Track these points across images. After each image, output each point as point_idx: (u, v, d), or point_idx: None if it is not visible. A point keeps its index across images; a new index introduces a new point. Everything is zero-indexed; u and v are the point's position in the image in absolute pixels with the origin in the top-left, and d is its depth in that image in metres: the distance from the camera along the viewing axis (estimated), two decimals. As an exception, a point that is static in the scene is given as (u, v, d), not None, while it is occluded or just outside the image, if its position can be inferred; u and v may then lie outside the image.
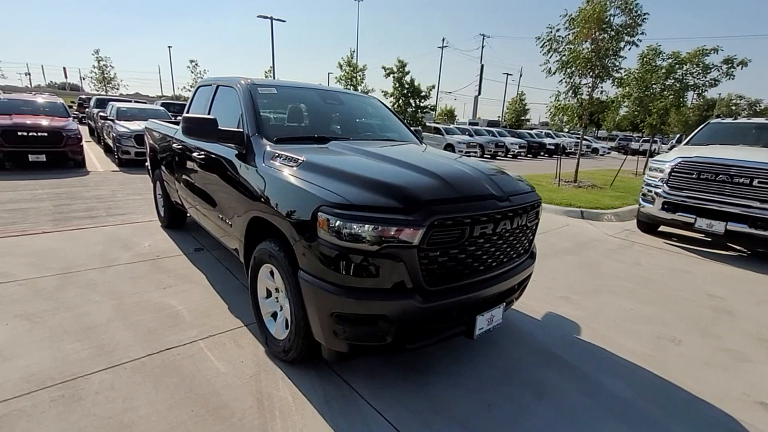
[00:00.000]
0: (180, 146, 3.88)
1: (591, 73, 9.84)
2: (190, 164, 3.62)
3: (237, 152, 2.81)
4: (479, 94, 45.29)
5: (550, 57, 10.07)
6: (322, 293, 1.94)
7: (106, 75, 39.95)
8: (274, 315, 2.51)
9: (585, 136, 13.70)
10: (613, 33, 9.38)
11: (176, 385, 2.17)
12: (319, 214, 1.92)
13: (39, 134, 8.07)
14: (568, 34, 9.71)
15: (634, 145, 30.31)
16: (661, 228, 6.15)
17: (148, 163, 5.32)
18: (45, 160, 8.12)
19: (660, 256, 5.17)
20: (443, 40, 43.50)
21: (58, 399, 2.01)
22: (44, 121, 8.51)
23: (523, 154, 22.60)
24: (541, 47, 10.06)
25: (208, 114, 3.46)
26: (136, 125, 9.31)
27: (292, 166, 2.33)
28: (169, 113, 11.38)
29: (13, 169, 8.02)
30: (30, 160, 8.01)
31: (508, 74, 56.95)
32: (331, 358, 2.19)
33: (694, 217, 5.17)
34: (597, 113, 10.92)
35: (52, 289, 3.17)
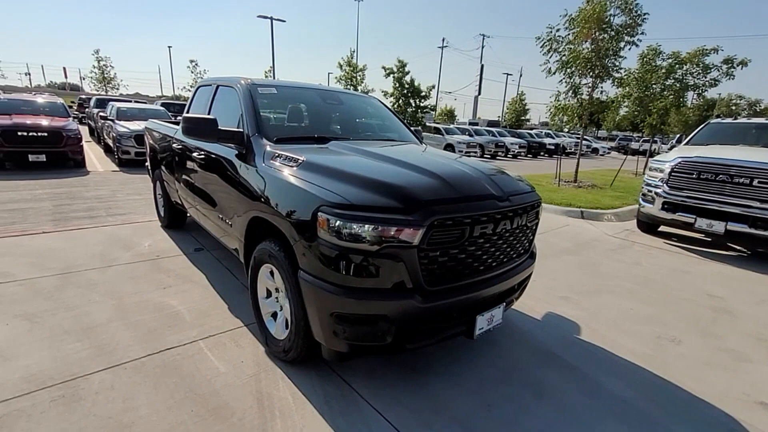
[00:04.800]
0: (180, 146, 3.88)
1: (591, 73, 9.84)
2: (190, 164, 3.62)
3: (237, 152, 2.81)
4: (479, 94, 45.37)
5: (550, 57, 10.08)
6: (322, 293, 1.94)
7: (106, 75, 39.92)
8: (274, 315, 2.51)
9: (585, 136, 13.71)
10: (613, 33, 9.38)
11: (176, 385, 2.17)
12: (319, 214, 1.92)
13: (39, 134, 8.07)
14: (568, 34, 9.72)
15: (634, 145, 30.32)
16: (661, 228, 6.15)
17: (148, 163, 5.32)
18: (45, 160, 8.12)
19: (660, 256, 5.17)
20: (443, 40, 43.58)
21: (58, 399, 2.01)
22: (44, 121, 8.50)
23: (523, 154, 22.59)
24: (541, 47, 10.06)
25: (208, 114, 3.46)
26: (136, 125, 9.31)
27: (292, 166, 2.33)
28: (169, 113, 11.38)
29: (13, 169, 8.02)
30: (30, 160, 8.00)
31: (508, 74, 57.07)
32: (331, 358, 2.19)
33: (694, 217, 5.17)
34: (597, 113, 10.92)
35: (52, 289, 3.17)
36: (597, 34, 9.36)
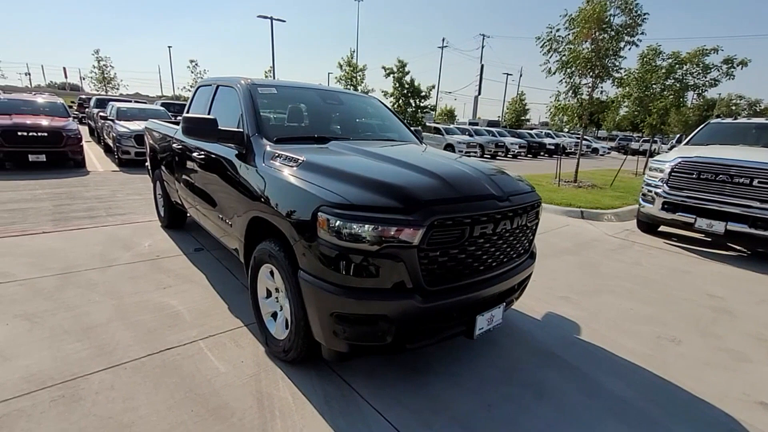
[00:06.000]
0: (180, 146, 3.88)
1: (591, 73, 9.84)
2: (190, 164, 3.62)
3: (237, 152, 2.81)
4: (479, 94, 45.39)
5: (550, 57, 10.07)
6: (322, 293, 1.94)
7: (106, 75, 39.91)
8: (274, 315, 2.51)
9: (585, 136, 13.71)
10: (613, 33, 9.38)
11: (176, 385, 2.17)
12: (319, 214, 1.92)
13: (39, 134, 8.07)
14: (568, 34, 9.72)
15: (634, 145, 30.32)
16: (661, 228, 6.15)
17: (148, 163, 5.32)
18: (45, 160, 8.12)
19: (660, 256, 5.17)
20: (443, 40, 43.59)
21: (58, 399, 2.01)
22: (44, 121, 8.50)
23: (523, 154, 22.59)
24: (541, 47, 10.06)
25: (208, 114, 3.46)
26: (136, 125, 9.31)
27: (292, 166, 2.33)
28: (169, 113, 11.38)
29: (13, 169, 8.02)
30: (30, 160, 8.00)
31: (508, 74, 57.11)
32: (331, 358, 2.19)
33: (694, 217, 5.17)
34: (597, 113, 10.92)
35: (52, 289, 3.17)
36: (597, 34, 9.36)
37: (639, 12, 9.25)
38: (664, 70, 13.22)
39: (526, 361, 2.64)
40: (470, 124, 30.19)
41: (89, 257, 3.87)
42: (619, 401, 2.29)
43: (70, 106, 16.30)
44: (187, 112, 3.82)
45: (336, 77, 21.74)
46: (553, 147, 24.10)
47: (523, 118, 40.53)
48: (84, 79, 54.77)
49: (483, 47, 44.84)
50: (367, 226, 1.84)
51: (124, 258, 3.91)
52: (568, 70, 9.91)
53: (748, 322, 3.41)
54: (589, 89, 10.10)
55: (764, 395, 2.44)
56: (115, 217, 5.30)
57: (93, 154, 11.14)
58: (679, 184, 5.36)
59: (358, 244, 1.85)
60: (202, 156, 3.32)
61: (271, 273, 2.41)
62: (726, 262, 5.01)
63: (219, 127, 2.76)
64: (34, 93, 22.34)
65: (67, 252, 3.96)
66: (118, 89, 41.68)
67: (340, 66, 21.34)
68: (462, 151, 17.32)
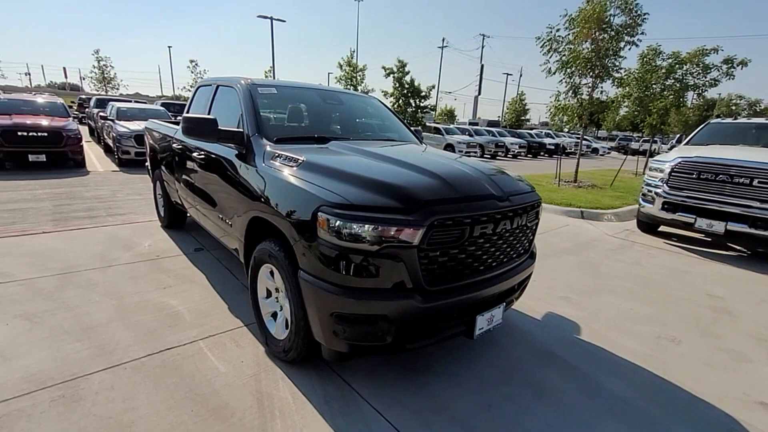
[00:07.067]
0: (180, 146, 3.88)
1: (591, 73, 9.84)
2: (190, 164, 3.63)
3: (237, 152, 2.81)
4: (479, 94, 45.40)
5: (550, 57, 10.08)
6: (322, 293, 1.94)
7: (106, 75, 39.91)
8: (274, 315, 2.51)
9: (585, 136, 13.71)
10: (613, 33, 9.38)
11: (176, 385, 2.17)
12: (319, 214, 1.92)
13: (39, 134, 8.07)
14: (568, 34, 9.72)
15: (634, 145, 30.33)
16: (661, 228, 6.15)
17: (148, 163, 5.32)
18: (45, 160, 8.12)
19: (660, 256, 5.17)
20: (443, 40, 43.60)
21: (58, 399, 2.01)
22: (44, 121, 8.50)
23: (523, 154, 22.59)
24: (541, 47, 10.06)
25: (208, 114, 3.46)
26: (136, 125, 9.31)
27: (292, 166, 2.34)
28: (169, 113, 11.38)
29: (13, 169, 8.02)
30: (30, 160, 8.00)
31: (508, 74, 57.12)
32: (331, 358, 2.19)
33: (694, 217, 5.17)
34: (597, 113, 10.92)
35: (52, 289, 3.17)
36: (597, 34, 9.36)
37: (639, 12, 9.26)
38: (664, 70, 13.21)
39: (526, 361, 2.64)
40: (470, 124, 30.19)
41: (89, 257, 3.87)
42: (619, 401, 2.29)
43: (70, 106, 16.30)
44: (187, 112, 3.82)
45: (336, 77, 21.76)
46: (553, 147, 24.10)
47: (523, 118, 40.53)
48: (84, 79, 54.79)
49: (483, 47, 44.89)
50: (367, 226, 1.84)
51: (124, 258, 3.91)
52: (568, 70, 9.92)
53: (748, 322, 3.41)
54: (589, 89, 10.11)
55: (764, 395, 2.44)
56: (115, 217, 5.30)
57: (93, 154, 11.14)
58: (679, 184, 5.36)
59: (358, 244, 1.85)
60: (202, 156, 3.32)
61: (271, 273, 2.41)
62: (726, 262, 5.01)
63: (219, 127, 2.76)
64: (34, 93, 22.34)
65: (67, 252, 3.96)
66: (118, 89, 41.69)
67: (340, 66, 21.35)
68: (462, 151, 17.32)
